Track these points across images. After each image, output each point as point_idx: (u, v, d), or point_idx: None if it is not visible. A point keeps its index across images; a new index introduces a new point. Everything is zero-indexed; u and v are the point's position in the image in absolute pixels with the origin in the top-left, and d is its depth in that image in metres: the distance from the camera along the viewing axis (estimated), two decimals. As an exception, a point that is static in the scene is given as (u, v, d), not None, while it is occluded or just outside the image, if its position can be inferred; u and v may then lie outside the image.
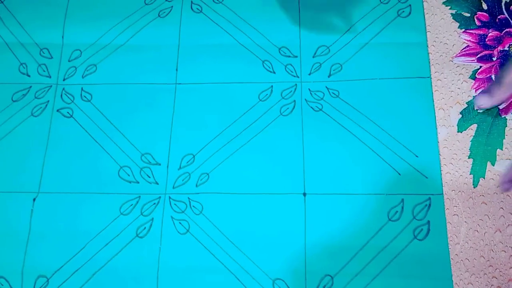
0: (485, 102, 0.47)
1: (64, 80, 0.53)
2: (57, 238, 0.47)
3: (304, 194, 0.48)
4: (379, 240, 0.46)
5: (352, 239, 0.46)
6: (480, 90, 0.49)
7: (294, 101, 0.51)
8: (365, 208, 0.47)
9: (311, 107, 0.50)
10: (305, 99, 0.51)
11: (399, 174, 0.48)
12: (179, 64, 0.53)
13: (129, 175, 0.49)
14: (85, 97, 0.52)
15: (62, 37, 0.55)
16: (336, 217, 0.47)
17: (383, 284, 0.44)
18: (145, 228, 0.47)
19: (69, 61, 0.54)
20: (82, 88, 0.53)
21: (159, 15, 0.55)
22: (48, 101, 0.52)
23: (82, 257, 0.47)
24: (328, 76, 0.51)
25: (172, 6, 0.55)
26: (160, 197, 0.48)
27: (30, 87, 0.53)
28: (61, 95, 0.53)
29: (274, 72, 0.52)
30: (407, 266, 0.45)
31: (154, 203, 0.48)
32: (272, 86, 0.51)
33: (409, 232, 0.46)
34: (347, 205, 0.47)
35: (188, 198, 0.48)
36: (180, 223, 0.47)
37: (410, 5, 0.54)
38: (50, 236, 0.47)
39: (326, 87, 0.51)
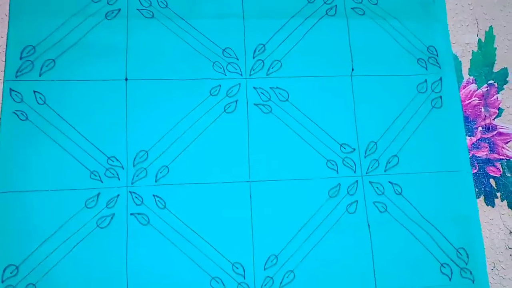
0: None
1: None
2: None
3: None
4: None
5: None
6: None
7: (236, 101, 0.56)
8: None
9: (257, 105, 0.56)
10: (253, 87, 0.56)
11: None
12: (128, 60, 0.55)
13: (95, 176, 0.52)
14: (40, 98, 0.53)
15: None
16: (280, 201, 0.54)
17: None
18: (106, 221, 0.51)
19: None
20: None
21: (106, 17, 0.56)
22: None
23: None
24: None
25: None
26: (119, 194, 0.52)
27: None
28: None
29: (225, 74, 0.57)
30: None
31: (115, 198, 0.52)
32: (220, 85, 0.56)
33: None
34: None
35: (148, 191, 0.52)
36: (140, 215, 0.52)
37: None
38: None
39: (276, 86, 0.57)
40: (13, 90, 0.53)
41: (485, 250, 0.54)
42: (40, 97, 0.53)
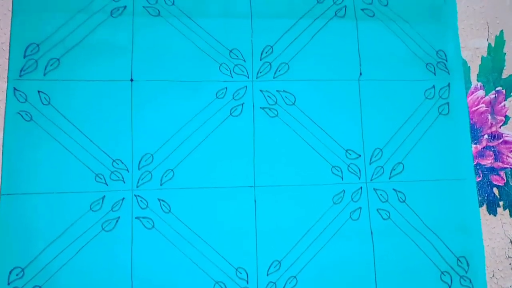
0: None
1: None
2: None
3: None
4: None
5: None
6: None
7: (242, 104, 0.55)
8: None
9: (263, 108, 0.55)
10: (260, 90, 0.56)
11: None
12: (133, 62, 0.55)
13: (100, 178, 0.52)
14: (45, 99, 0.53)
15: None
16: (284, 206, 0.54)
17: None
18: (111, 224, 0.51)
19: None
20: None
21: (111, 15, 0.55)
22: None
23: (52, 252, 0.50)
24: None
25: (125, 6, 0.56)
26: (124, 197, 0.52)
27: None
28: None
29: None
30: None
31: (120, 201, 0.52)
32: (226, 88, 0.55)
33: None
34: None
35: (153, 195, 0.52)
36: (145, 219, 0.52)
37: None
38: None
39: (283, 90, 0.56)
40: (17, 90, 0.52)
41: (485, 259, 0.55)
42: (44, 98, 0.52)
